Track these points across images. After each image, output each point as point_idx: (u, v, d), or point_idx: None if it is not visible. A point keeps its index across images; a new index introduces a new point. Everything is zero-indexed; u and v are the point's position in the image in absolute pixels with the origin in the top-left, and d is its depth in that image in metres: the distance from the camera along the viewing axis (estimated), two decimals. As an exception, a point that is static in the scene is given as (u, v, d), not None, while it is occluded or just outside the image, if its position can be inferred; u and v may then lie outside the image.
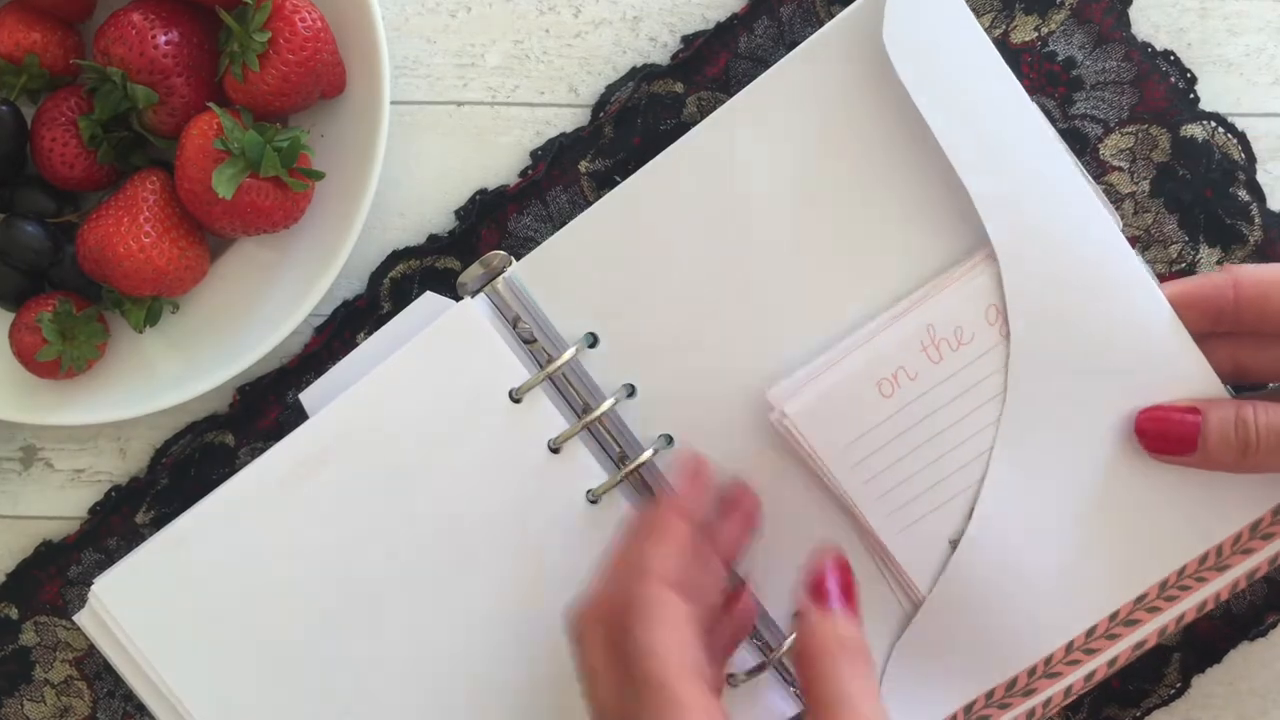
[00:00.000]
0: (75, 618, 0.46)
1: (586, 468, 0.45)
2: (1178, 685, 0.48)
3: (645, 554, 0.38)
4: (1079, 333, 0.44)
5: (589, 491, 0.45)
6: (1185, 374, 0.44)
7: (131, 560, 0.46)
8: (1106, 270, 0.43)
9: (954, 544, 0.45)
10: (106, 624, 0.45)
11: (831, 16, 0.46)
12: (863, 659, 0.37)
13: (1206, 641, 0.48)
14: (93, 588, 0.45)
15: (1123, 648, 0.45)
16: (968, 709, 0.45)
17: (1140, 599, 0.45)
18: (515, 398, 0.45)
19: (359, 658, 0.46)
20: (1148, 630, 0.45)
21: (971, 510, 0.45)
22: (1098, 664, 0.45)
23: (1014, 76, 0.44)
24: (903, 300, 0.45)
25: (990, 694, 0.45)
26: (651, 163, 0.45)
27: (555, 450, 0.45)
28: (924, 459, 0.45)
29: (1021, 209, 0.43)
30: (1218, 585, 0.45)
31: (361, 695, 0.46)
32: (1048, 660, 0.45)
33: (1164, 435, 0.43)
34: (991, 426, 0.44)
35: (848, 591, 0.39)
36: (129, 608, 0.45)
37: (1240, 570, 0.45)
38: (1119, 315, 0.44)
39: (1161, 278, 0.45)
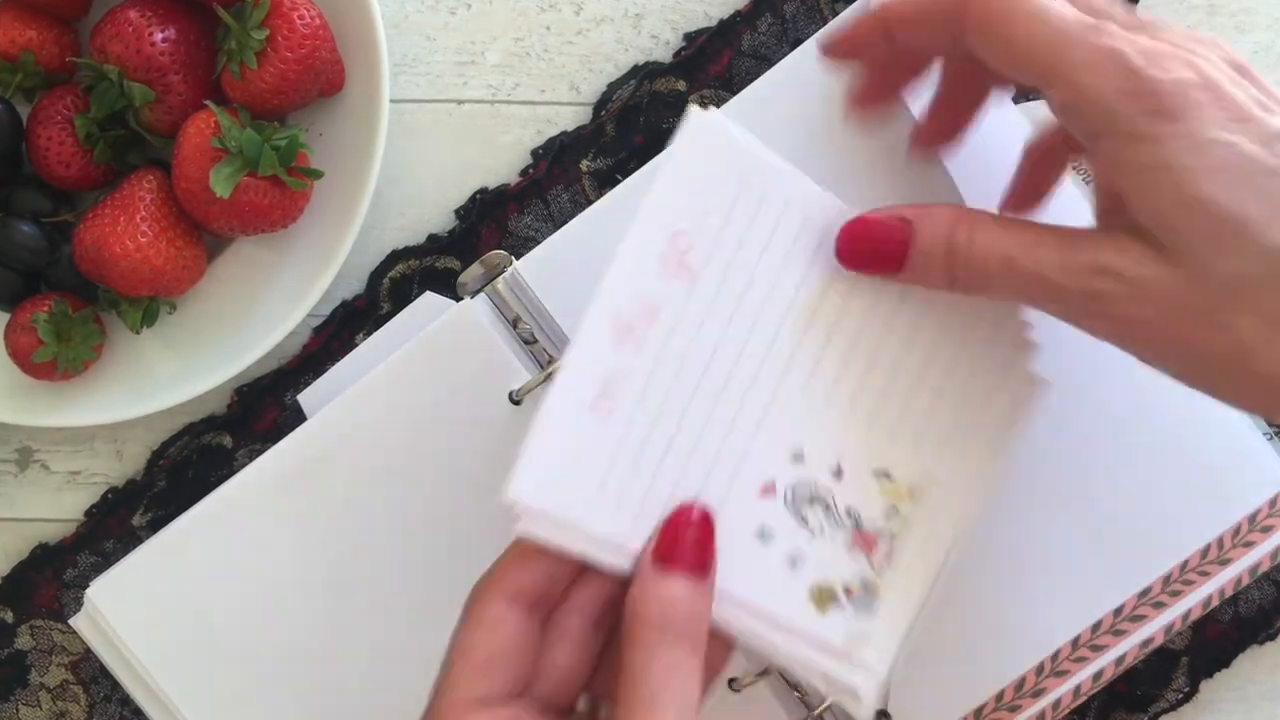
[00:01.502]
0: (71, 621, 0.46)
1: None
2: (1186, 690, 0.48)
3: (500, 560, 0.35)
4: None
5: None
6: None
7: (128, 563, 0.45)
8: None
9: (761, 531, 0.36)
10: (102, 628, 0.45)
11: (835, 14, 0.46)
12: (688, 642, 0.32)
13: (1215, 645, 0.47)
14: (88, 591, 0.45)
15: (1130, 645, 0.45)
16: (978, 712, 0.45)
17: (1144, 594, 0.45)
18: (515, 399, 0.45)
19: (357, 662, 0.45)
20: (1154, 627, 0.45)
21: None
22: (1105, 662, 0.45)
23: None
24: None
25: (1000, 696, 0.45)
26: (654, 160, 0.45)
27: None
28: (679, 423, 0.36)
29: None
30: (1221, 580, 0.45)
31: (359, 699, 0.45)
32: (1054, 657, 0.45)
33: (868, 249, 0.36)
34: (748, 358, 0.36)
35: (701, 552, 0.34)
36: (125, 611, 0.45)
37: (1243, 565, 0.45)
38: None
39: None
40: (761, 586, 0.35)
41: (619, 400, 0.35)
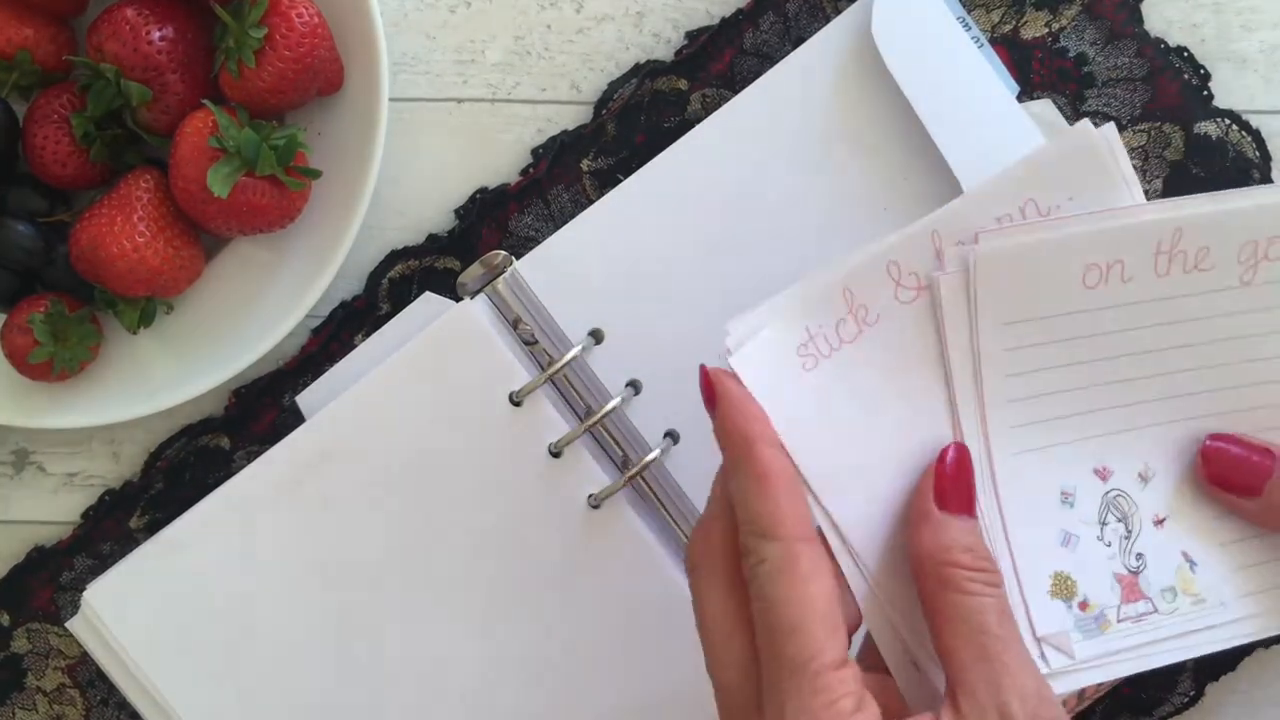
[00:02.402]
0: (68, 624, 0.46)
1: (588, 472, 0.45)
2: (1191, 694, 0.47)
3: (761, 506, 0.32)
4: None
5: (590, 496, 0.45)
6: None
7: (125, 566, 0.45)
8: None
9: (1065, 497, 0.37)
10: (99, 631, 0.45)
11: (838, 12, 0.46)
12: (1008, 605, 0.32)
13: (1221, 650, 0.47)
14: (85, 594, 0.45)
15: None
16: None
17: None
18: (515, 401, 0.44)
19: (356, 665, 0.45)
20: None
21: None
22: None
23: (993, 72, 0.44)
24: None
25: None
26: (654, 160, 0.45)
27: (556, 454, 0.45)
28: (1092, 378, 0.37)
29: None
30: None
31: (359, 702, 0.45)
32: None
33: (1229, 470, 0.37)
34: (1176, 376, 0.37)
35: (971, 492, 0.34)
36: (122, 614, 0.45)
37: None
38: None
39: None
40: (1028, 534, 0.36)
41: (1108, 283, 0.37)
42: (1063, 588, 0.37)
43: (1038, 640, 0.36)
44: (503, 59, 0.48)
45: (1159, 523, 0.37)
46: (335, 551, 0.45)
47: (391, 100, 0.46)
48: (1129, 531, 0.37)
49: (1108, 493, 0.37)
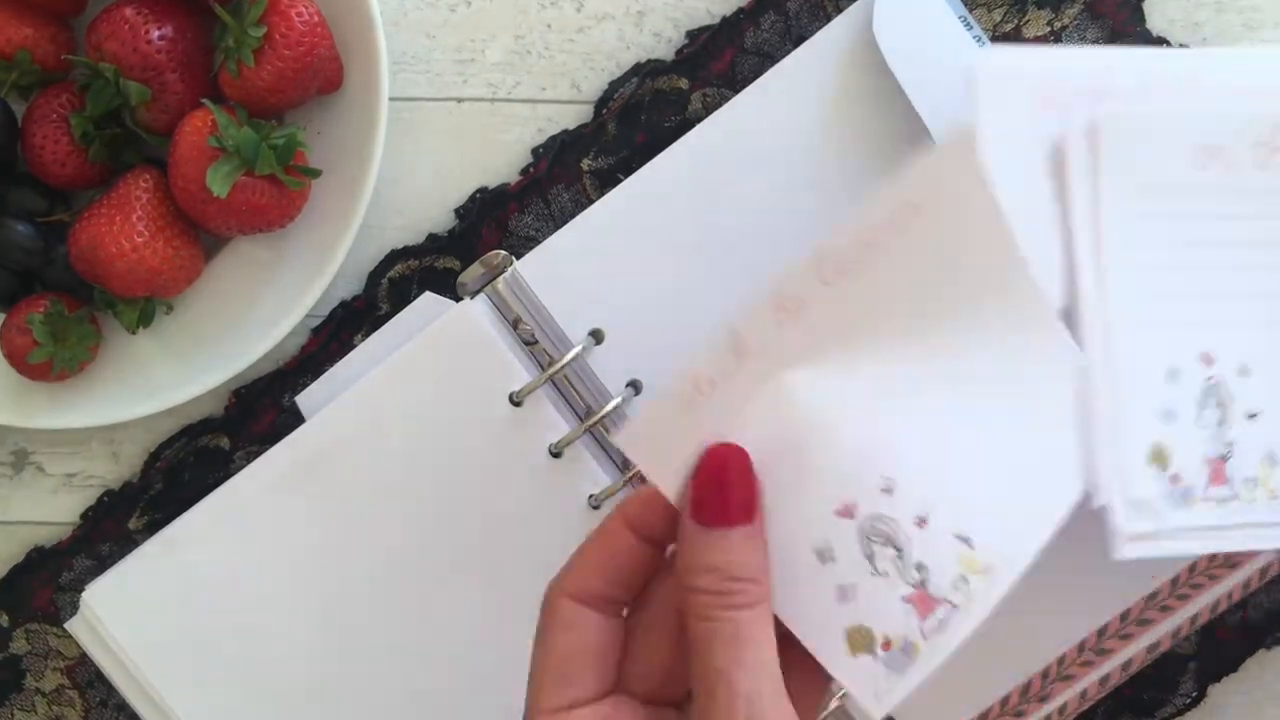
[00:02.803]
0: (67, 625, 0.46)
1: (588, 472, 0.45)
2: (1194, 694, 0.47)
3: (569, 561, 0.33)
4: None
5: (591, 497, 0.45)
6: None
7: (124, 567, 0.45)
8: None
9: (1172, 374, 0.38)
10: (98, 632, 0.45)
11: (839, 11, 0.46)
12: (762, 624, 0.30)
13: (1223, 649, 0.47)
14: (84, 595, 0.45)
15: (1136, 650, 0.45)
16: (983, 717, 0.44)
17: (1151, 597, 0.44)
18: (516, 401, 0.44)
19: (355, 666, 0.45)
20: (1161, 631, 0.44)
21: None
22: (1111, 667, 0.45)
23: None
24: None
25: (1005, 700, 0.44)
26: (655, 160, 0.45)
27: (556, 454, 0.44)
28: (1202, 260, 0.39)
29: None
30: (1229, 584, 0.45)
31: (358, 703, 0.45)
32: (1060, 661, 0.44)
33: None
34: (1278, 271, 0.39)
35: (741, 492, 0.31)
36: (121, 615, 0.45)
37: (1251, 568, 0.44)
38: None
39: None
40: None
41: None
42: (1158, 457, 0.38)
43: (1128, 502, 0.37)
44: (503, 58, 0.48)
45: (1252, 416, 0.39)
46: (335, 551, 0.45)
47: (391, 99, 0.46)
48: (1224, 419, 0.38)
49: (1209, 379, 0.38)
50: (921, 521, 0.34)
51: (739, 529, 0.31)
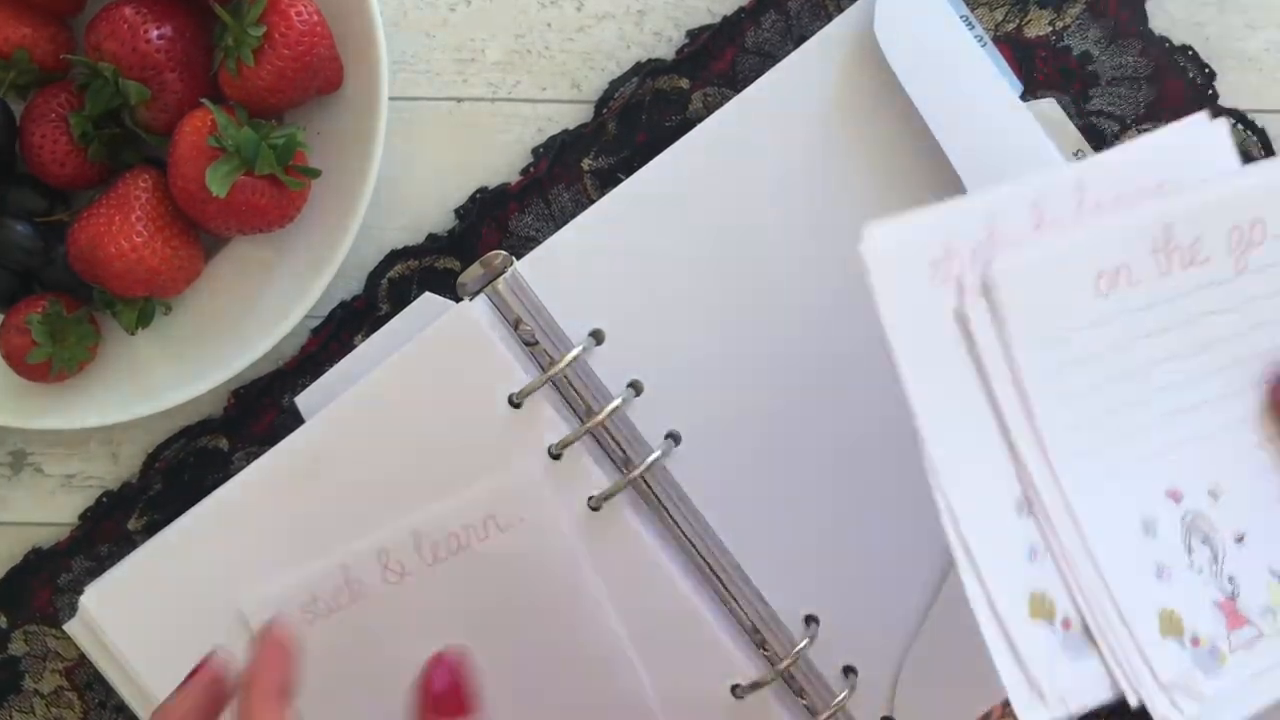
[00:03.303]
0: (66, 627, 0.45)
1: (588, 474, 0.44)
2: (1196, 696, 0.47)
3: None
4: None
5: (590, 498, 0.44)
6: None
7: (123, 568, 0.45)
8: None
9: (1148, 527, 0.35)
10: (97, 634, 0.45)
11: (841, 10, 0.46)
12: None
13: (1226, 651, 0.47)
14: (82, 598, 0.45)
15: None
16: (985, 718, 0.44)
17: None
18: (515, 403, 0.44)
19: (353, 670, 0.45)
20: None
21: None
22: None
23: (996, 71, 0.44)
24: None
25: (1006, 703, 0.44)
26: (655, 160, 0.45)
27: (556, 456, 0.44)
28: (1132, 394, 0.36)
29: None
30: None
31: (357, 704, 0.45)
32: None
33: None
34: (1212, 376, 0.36)
35: (463, 696, 0.36)
36: (120, 617, 0.44)
37: None
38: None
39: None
40: (1122, 572, 0.33)
41: (1118, 289, 0.35)
42: (1171, 625, 0.35)
43: (1163, 688, 0.34)
44: (503, 58, 0.48)
45: (1240, 540, 0.36)
46: (333, 553, 0.45)
47: (391, 99, 0.46)
48: (1215, 554, 0.35)
49: (1184, 515, 0.35)
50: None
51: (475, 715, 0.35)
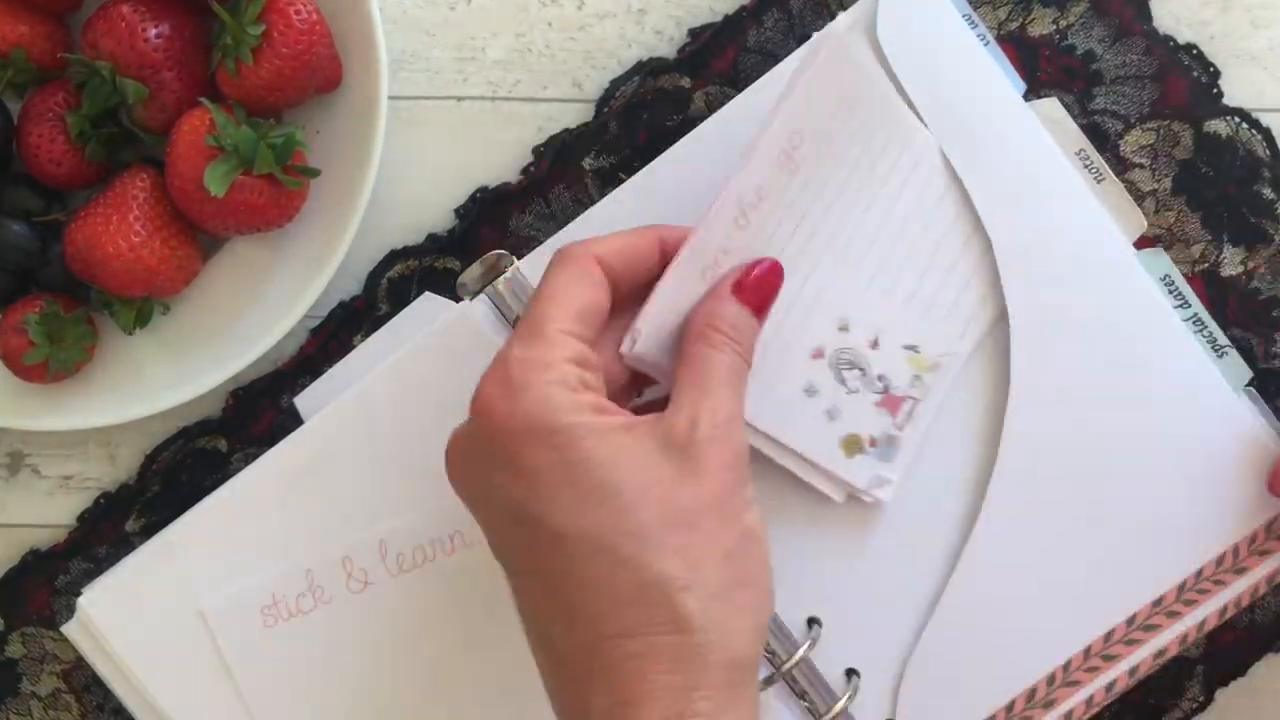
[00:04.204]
0: (63, 629, 0.45)
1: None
2: (1200, 699, 0.47)
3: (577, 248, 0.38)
4: (1079, 335, 0.44)
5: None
6: (1205, 394, 0.44)
7: (120, 570, 0.45)
8: (1105, 271, 0.44)
9: (810, 391, 0.44)
10: (95, 636, 0.44)
11: (843, 8, 0.45)
12: (744, 357, 0.38)
13: (1230, 653, 0.47)
14: (80, 600, 0.44)
15: (1143, 655, 0.44)
16: (988, 724, 0.44)
17: (1157, 603, 0.44)
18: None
19: (353, 670, 0.45)
20: (1168, 637, 0.44)
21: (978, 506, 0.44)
22: (1118, 672, 0.44)
23: (999, 71, 0.44)
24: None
25: (1010, 707, 0.44)
26: (657, 159, 0.45)
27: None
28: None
29: (1019, 208, 0.44)
30: (1237, 589, 0.44)
31: (355, 706, 0.45)
32: (1066, 667, 0.44)
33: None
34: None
35: (766, 296, 0.39)
36: (118, 621, 0.44)
37: (1259, 573, 0.44)
38: (1118, 317, 0.44)
39: (1185, 279, 0.45)
40: (804, 434, 0.43)
41: (722, 269, 0.40)
42: (851, 444, 0.43)
43: (862, 492, 0.43)
44: (503, 56, 0.48)
45: (874, 344, 0.43)
46: (333, 554, 0.44)
47: (391, 98, 0.46)
48: (864, 369, 0.43)
49: (830, 359, 0.43)
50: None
51: (755, 318, 0.39)
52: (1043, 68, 0.46)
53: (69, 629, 0.45)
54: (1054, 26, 0.46)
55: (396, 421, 0.44)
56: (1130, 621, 0.44)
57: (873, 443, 0.43)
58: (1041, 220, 0.44)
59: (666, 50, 0.48)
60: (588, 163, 0.47)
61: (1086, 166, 0.45)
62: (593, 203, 0.46)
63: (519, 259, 0.45)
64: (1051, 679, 0.44)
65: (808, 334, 0.43)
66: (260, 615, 0.44)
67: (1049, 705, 0.44)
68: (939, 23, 0.44)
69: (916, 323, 0.44)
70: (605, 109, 0.47)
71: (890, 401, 0.43)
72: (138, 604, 0.44)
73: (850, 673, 0.45)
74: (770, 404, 0.42)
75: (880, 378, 0.43)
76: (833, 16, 0.45)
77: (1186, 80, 0.46)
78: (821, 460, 0.43)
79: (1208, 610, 0.44)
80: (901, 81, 0.44)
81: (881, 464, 0.43)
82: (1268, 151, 0.46)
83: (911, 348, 0.43)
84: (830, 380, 0.43)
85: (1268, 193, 0.46)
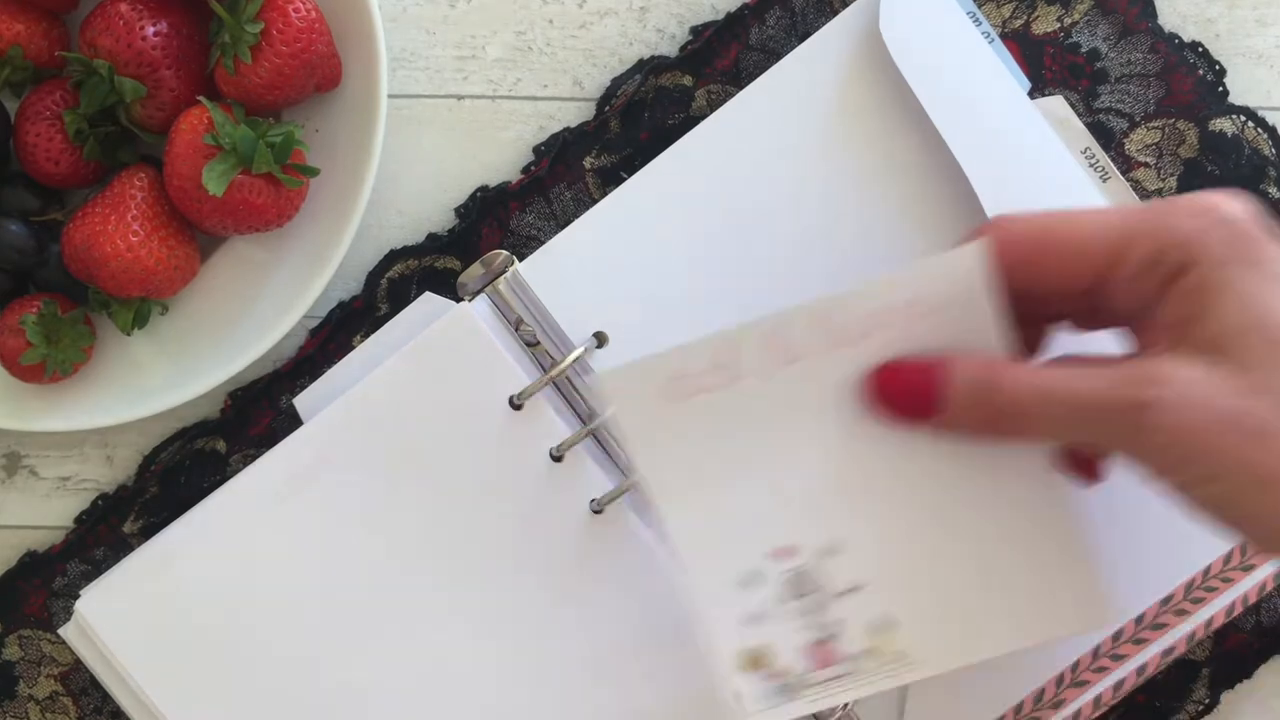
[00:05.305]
0: (60, 631, 0.45)
1: (590, 476, 0.44)
2: (1206, 701, 0.47)
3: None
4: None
5: (593, 501, 0.44)
6: None
7: (118, 572, 0.44)
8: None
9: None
10: (92, 639, 0.44)
11: (846, 6, 0.45)
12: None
13: (1236, 656, 0.46)
14: (78, 603, 0.44)
15: (1151, 654, 0.44)
16: (996, 726, 0.44)
17: (1166, 601, 0.44)
18: (516, 404, 0.44)
19: (354, 675, 0.44)
20: (1176, 635, 0.44)
21: None
22: (1126, 671, 0.44)
23: (1004, 68, 0.44)
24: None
25: (1019, 707, 0.44)
26: (659, 157, 0.45)
27: (558, 459, 0.44)
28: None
29: (1021, 206, 0.42)
30: (1244, 586, 0.44)
31: (357, 710, 0.44)
32: (1074, 667, 0.44)
33: (901, 390, 0.36)
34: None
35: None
36: (115, 622, 0.44)
37: (1266, 570, 0.44)
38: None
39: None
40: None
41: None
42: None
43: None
44: (504, 55, 0.48)
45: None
46: (334, 558, 0.44)
47: (390, 97, 0.46)
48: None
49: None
50: (854, 589, 0.38)
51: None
52: (1047, 65, 0.46)
53: (66, 632, 0.45)
54: (1059, 24, 0.46)
55: (395, 423, 0.44)
56: (1139, 620, 0.44)
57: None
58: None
59: (668, 48, 0.47)
60: (589, 162, 0.47)
61: (1092, 165, 0.45)
62: (594, 202, 0.45)
63: (520, 259, 0.45)
64: (1060, 679, 0.44)
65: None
66: (665, 388, 0.38)
67: (1057, 705, 0.44)
68: (941, 20, 0.44)
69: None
70: (606, 108, 0.47)
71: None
72: (135, 607, 0.44)
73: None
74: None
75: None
76: (835, 13, 0.45)
77: (1192, 78, 0.46)
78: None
79: (1216, 608, 0.44)
80: (906, 79, 0.43)
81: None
82: (1274, 150, 0.46)
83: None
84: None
85: (1273, 191, 0.46)
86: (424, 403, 0.44)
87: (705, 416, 0.37)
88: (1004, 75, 0.44)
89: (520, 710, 0.45)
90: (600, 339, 0.45)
